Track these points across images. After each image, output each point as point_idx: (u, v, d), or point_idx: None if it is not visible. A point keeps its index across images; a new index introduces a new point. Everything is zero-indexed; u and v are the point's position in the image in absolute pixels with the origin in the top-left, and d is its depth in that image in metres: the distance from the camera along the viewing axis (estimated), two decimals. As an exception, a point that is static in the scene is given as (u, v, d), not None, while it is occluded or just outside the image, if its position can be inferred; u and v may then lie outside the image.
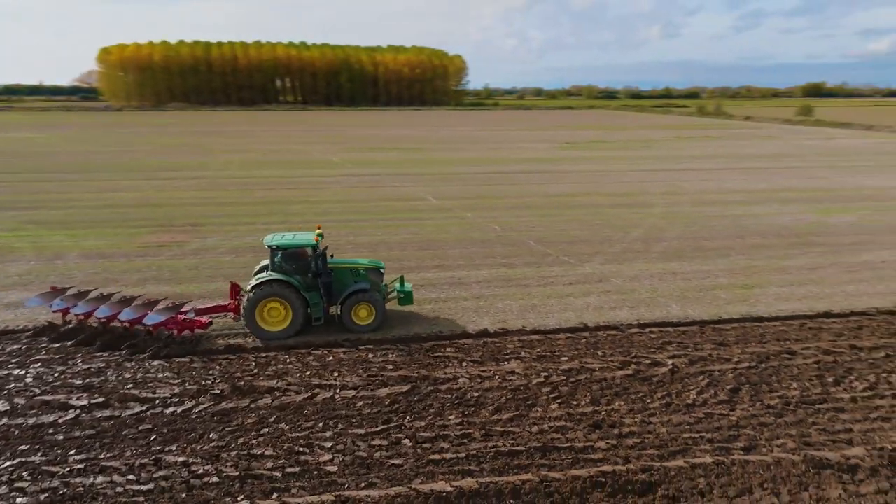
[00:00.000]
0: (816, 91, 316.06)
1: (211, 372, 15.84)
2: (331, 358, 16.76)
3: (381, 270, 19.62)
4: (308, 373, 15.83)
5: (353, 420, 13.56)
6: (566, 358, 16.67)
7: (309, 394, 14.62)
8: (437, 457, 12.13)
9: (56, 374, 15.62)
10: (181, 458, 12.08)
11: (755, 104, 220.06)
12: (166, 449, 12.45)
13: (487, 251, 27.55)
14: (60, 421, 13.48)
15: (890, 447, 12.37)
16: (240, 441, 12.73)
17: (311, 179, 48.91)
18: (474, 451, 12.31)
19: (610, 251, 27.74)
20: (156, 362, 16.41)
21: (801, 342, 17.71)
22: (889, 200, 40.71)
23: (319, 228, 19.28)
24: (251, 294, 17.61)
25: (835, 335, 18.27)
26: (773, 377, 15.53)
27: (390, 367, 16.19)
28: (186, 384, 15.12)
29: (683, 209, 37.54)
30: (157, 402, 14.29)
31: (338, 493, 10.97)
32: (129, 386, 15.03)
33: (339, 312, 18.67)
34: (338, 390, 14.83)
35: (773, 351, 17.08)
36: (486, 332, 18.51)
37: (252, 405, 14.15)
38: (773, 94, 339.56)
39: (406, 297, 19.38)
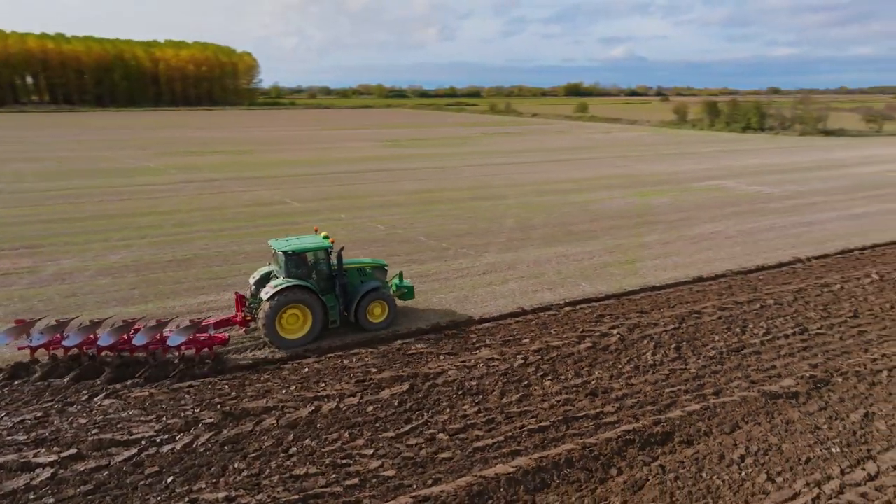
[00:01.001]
0: (576, 90, 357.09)
1: (183, 402, 14.40)
2: (306, 370, 16.16)
3: (385, 268, 19.77)
4: (293, 387, 15.16)
5: (376, 425, 13.46)
6: (527, 340, 18.02)
7: (312, 407, 14.09)
8: (479, 444, 12.67)
9: (-10, 433, 13.03)
10: (221, 495, 11.11)
11: (534, 102, 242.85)
12: (195, 488, 11.32)
13: (388, 250, 27.83)
14: (35, 483, 11.44)
15: (807, 374, 15.67)
16: (273, 465, 12.01)
17: (143, 188, 44.18)
18: (509, 434, 13.07)
19: (497, 241, 29.71)
20: (106, 401, 14.43)
21: (699, 303, 21.14)
22: (684, 183, 48.63)
23: (317, 231, 19.11)
24: (272, 302, 16.66)
25: (717, 295, 22.07)
26: (697, 334, 18.47)
27: (373, 369, 16.12)
28: (164, 418, 13.62)
29: (532, 199, 41.11)
30: (145, 441, 12.74)
31: (413, 495, 11.04)
32: (92, 431, 13.10)
33: (354, 313, 18.26)
34: (338, 399, 14.48)
35: (683, 313, 20.18)
36: (439, 325, 19.11)
37: (257, 428, 13.29)
38: (542, 93, 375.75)
39: (408, 293, 19.70)
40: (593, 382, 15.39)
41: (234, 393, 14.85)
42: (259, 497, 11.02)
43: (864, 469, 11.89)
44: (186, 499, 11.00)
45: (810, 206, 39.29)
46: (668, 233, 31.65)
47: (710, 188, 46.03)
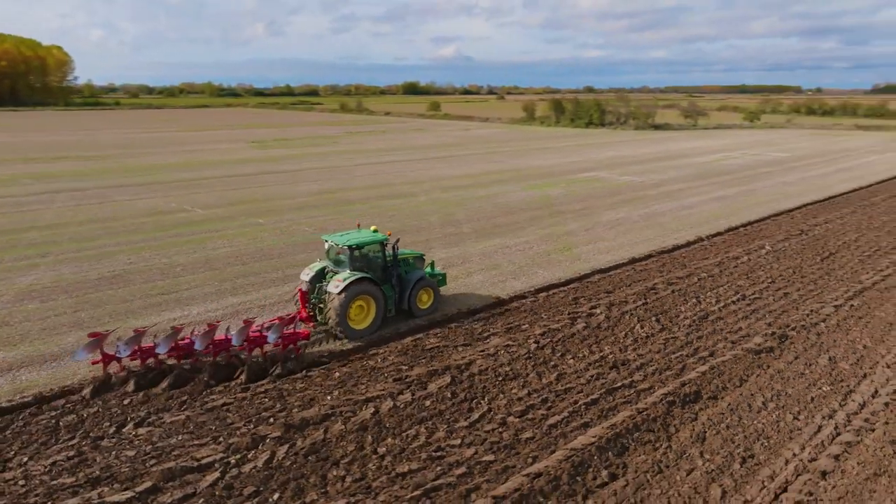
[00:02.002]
0: (413, 89, 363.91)
1: (229, 421, 13.67)
2: (337, 374, 15.98)
3: (423, 258, 20.61)
4: (335, 392, 14.98)
5: (445, 417, 13.86)
6: (527, 326, 19.19)
7: (370, 408, 14.10)
8: (550, 422, 13.62)
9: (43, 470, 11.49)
10: (341, 503, 10.97)
11: (381, 100, 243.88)
12: (307, 501, 11.06)
13: (336, 252, 27.45)
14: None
15: (769, 332, 18.55)
16: (371, 467, 12.03)
17: (3, 200, 38.67)
18: (569, 409, 14.15)
19: (436, 237, 30.50)
20: (140, 430, 13.27)
21: (648, 280, 23.69)
22: (564, 175, 52.63)
23: (359, 226, 20.01)
24: (343, 295, 17.13)
25: (658, 272, 24.84)
26: (664, 307, 20.85)
27: (403, 367, 16.34)
28: (221, 439, 12.90)
29: (440, 196, 42.31)
30: (218, 464, 12.03)
31: (524, 473, 11.73)
32: (150, 462, 12.10)
33: (407, 301, 19.16)
34: (391, 398, 14.59)
35: (641, 290, 22.55)
36: (437, 321, 19.60)
37: (328, 434, 13.09)
38: (381, 91, 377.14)
39: (442, 280, 20.46)
40: (610, 357, 16.94)
41: (277, 405, 14.33)
42: (381, 499, 11.04)
43: (853, 400, 14.61)
44: (308, 512, 10.72)
45: (679, 192, 44.68)
46: (581, 221, 34.47)
47: (590, 179, 50.35)
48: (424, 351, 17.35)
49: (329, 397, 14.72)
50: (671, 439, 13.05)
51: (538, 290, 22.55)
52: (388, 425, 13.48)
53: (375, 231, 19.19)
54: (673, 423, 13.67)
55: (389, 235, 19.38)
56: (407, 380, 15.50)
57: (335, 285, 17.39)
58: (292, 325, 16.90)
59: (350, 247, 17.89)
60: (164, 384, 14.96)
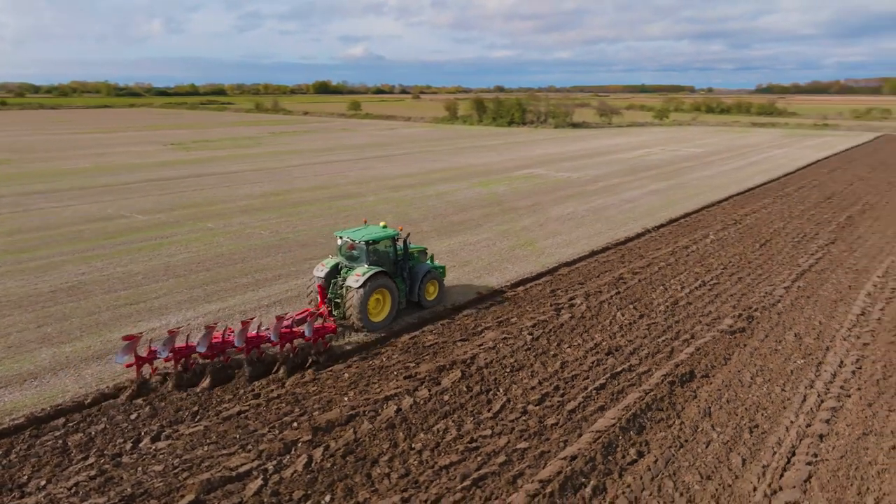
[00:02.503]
0: (325, 88, 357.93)
1: (250, 428, 13.40)
2: (346, 375, 15.92)
3: (426, 251, 21.12)
4: (350, 393, 14.98)
5: (468, 409, 14.20)
6: (516, 319, 19.80)
7: (392, 406, 14.22)
8: (569, 407, 14.26)
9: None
10: (395, 499, 11.11)
11: (294, 100, 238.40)
12: (360, 500, 11.13)
13: (304, 254, 27.07)
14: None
15: (735, 314, 20.09)
16: (413, 462, 12.20)
17: None
18: (581, 395, 14.86)
19: (419, 234, 30.48)
20: (160, 444, 12.79)
21: (614, 271, 24.93)
22: (503, 172, 53.88)
23: (366, 222, 20.60)
24: (363, 289, 17.62)
25: (620, 263, 26.16)
26: (636, 295, 22.07)
27: (410, 364, 16.52)
28: (249, 447, 12.65)
29: (389, 195, 42.33)
30: (256, 472, 11.82)
31: (561, 457, 12.28)
32: (183, 476, 11.72)
33: (416, 293, 19.88)
34: (409, 395, 14.75)
35: (611, 280, 23.73)
36: (427, 318, 19.85)
37: (358, 434, 13.11)
38: (291, 91, 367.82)
39: (442, 272, 20.97)
40: (603, 344, 17.83)
41: (296, 409, 14.17)
42: (433, 492, 11.26)
43: (825, 371, 16.18)
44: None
45: (616, 186, 46.89)
46: (533, 217, 35.57)
47: (529, 176, 51.84)
48: (425, 348, 17.57)
49: (346, 398, 14.69)
50: (681, 416, 14.00)
51: (514, 285, 23.22)
52: (414, 421, 13.66)
53: (385, 226, 19.70)
54: (678, 401, 14.65)
55: (401, 230, 20.03)
56: (417, 377, 15.68)
57: (355, 280, 17.81)
58: (322, 319, 17.21)
59: (367, 242, 18.40)
60: (205, 383, 15.01)
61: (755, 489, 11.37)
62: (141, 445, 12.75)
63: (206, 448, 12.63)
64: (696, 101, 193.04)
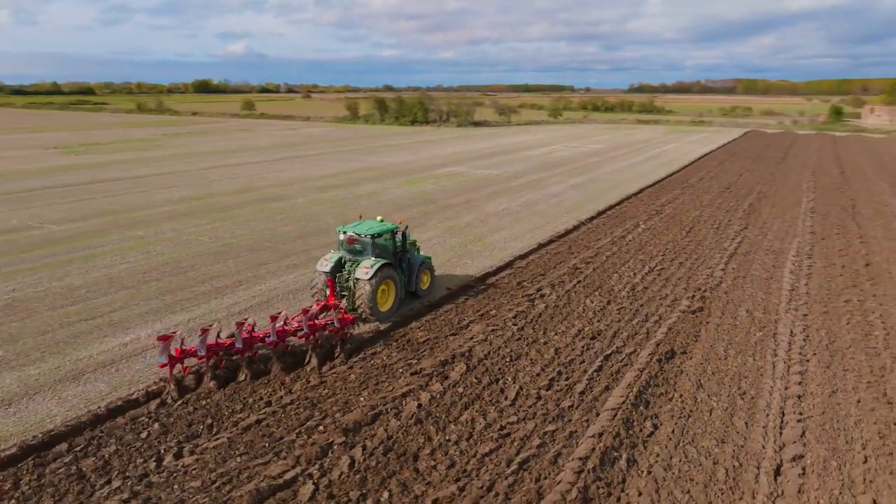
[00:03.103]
0: (206, 87, 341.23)
1: (277, 436, 13.14)
2: (352, 376, 15.88)
3: (416, 243, 22.28)
4: (364, 393, 15.01)
5: (486, 398, 14.68)
6: (495, 311, 20.48)
7: (412, 401, 14.42)
8: (577, 390, 15.14)
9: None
10: (454, 487, 11.41)
11: (178, 99, 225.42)
12: (418, 493, 11.32)
13: (256, 259, 26.24)
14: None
15: (689, 295, 21.94)
16: (456, 451, 12.53)
17: None
18: (585, 378, 15.79)
19: (345, 237, 30.33)
20: (186, 459, 12.26)
21: (568, 261, 26.25)
22: (425, 171, 54.45)
23: (361, 217, 21.24)
24: (374, 280, 18.32)
25: (570, 254, 27.56)
26: (596, 282, 23.45)
27: (412, 361, 16.75)
28: (282, 454, 12.45)
29: (319, 196, 41.65)
30: (302, 478, 11.69)
31: (590, 435, 13.09)
32: (225, 489, 11.37)
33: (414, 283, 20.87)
34: (424, 390, 15.00)
35: (568, 269, 25.00)
36: (408, 315, 20.08)
37: (387, 431, 13.23)
38: (169, 89, 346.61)
39: (428, 261, 21.90)
40: (585, 329, 18.91)
41: (315, 413, 14.01)
42: (485, 478, 11.67)
43: (781, 340, 18.16)
44: (428, 501, 11.00)
45: (537, 182, 48.86)
46: (471, 214, 36.45)
47: (452, 174, 52.77)
48: (420, 344, 17.82)
49: (362, 398, 14.69)
50: (677, 389, 15.27)
51: (479, 279, 23.89)
52: (438, 415, 13.94)
53: (382, 221, 20.41)
54: (670, 376, 15.94)
55: (400, 223, 20.86)
56: (424, 372, 15.93)
57: (364, 272, 18.44)
58: (339, 312, 17.61)
59: (372, 235, 19.12)
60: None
61: (764, 447, 12.74)
62: (165, 463, 12.16)
63: (238, 459, 12.24)
64: (582, 100, 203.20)
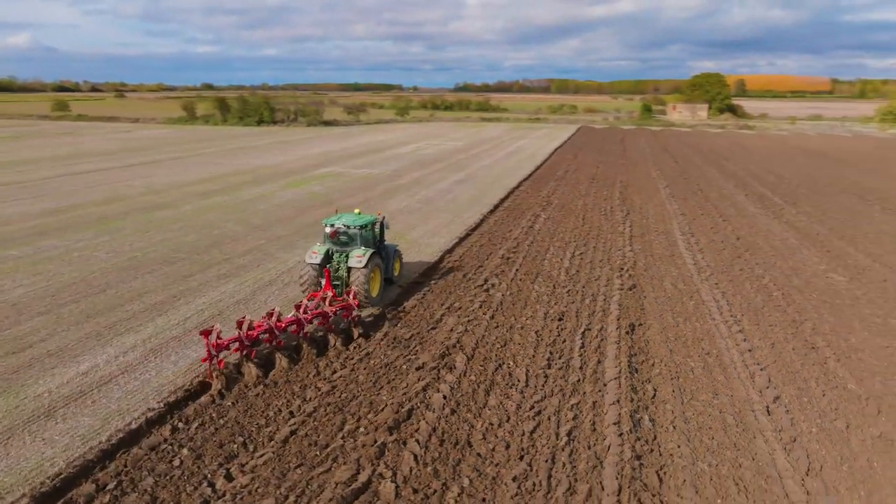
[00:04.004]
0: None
1: (322, 443, 12.94)
2: (361, 377, 15.84)
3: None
4: (383, 390, 15.11)
5: (503, 385, 15.52)
6: (459, 304, 21.28)
7: (434, 392, 14.84)
8: (573, 366, 16.52)
9: None
10: (522, 467, 12.17)
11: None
12: (495, 478, 11.93)
13: (178, 271, 24.41)
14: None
15: (618, 274, 24.42)
16: (500, 434, 13.23)
17: None
18: (576, 355, 17.22)
19: (263, 244, 29.12)
20: (242, 479, 11.69)
21: (496, 252, 27.69)
22: (303, 172, 53.10)
23: (336, 212, 22.37)
24: (367, 268, 19.71)
25: (492, 245, 29.04)
26: (534, 269, 25.13)
27: (411, 356, 17.06)
28: (339, 460, 12.35)
29: (206, 202, 39.12)
30: (377, 477, 11.74)
31: (611, 405, 14.51)
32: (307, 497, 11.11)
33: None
34: (438, 380, 15.46)
35: (501, 260, 26.43)
36: (378, 316, 20.22)
37: (433, 425, 13.59)
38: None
39: (398, 249, 23.88)
40: (550, 312, 20.39)
41: (347, 417, 13.91)
42: (547, 451, 12.54)
43: (711, 307, 21.05)
44: (507, 479, 11.64)
45: (423, 179, 49.95)
46: (372, 212, 36.56)
47: (333, 174, 52.12)
48: (406, 341, 18.10)
49: (383, 397, 14.80)
50: (655, 356, 17.24)
51: (422, 275, 24.47)
52: (467, 403, 14.52)
53: (360, 213, 21.74)
54: (642, 346, 17.91)
55: (379, 214, 22.17)
56: (427, 367, 16.34)
57: (357, 261, 19.67)
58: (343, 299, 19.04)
59: (360, 226, 20.44)
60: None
61: (748, 394, 15.02)
62: (219, 486, 11.49)
63: (298, 472, 11.90)
64: (423, 98, 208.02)
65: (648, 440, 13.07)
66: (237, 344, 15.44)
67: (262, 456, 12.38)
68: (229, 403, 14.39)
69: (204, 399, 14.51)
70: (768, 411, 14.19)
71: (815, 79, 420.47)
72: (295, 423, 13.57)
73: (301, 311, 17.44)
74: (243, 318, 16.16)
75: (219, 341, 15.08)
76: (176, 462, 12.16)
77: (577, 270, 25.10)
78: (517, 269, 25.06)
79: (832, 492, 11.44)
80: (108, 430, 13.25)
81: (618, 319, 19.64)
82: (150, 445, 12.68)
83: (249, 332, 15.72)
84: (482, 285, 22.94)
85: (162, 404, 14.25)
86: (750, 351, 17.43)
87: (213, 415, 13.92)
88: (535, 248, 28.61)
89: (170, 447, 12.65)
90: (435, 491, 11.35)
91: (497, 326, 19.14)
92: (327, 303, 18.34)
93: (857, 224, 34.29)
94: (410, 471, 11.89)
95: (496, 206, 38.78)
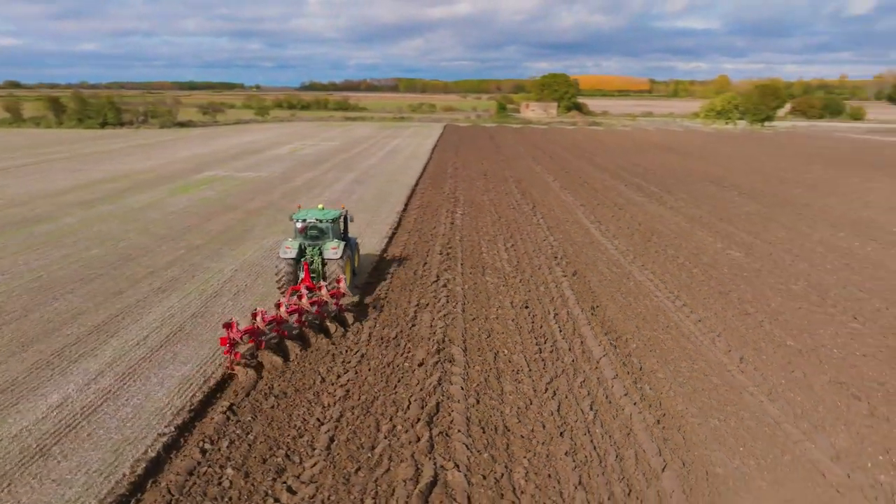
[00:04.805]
0: None
1: (368, 445, 12.93)
2: (368, 379, 15.80)
3: None
4: (399, 390, 15.24)
5: (506, 370, 16.26)
6: (427, 301, 21.64)
7: (457, 385, 15.26)
8: (562, 347, 17.70)
9: None
10: (564, 447, 13.06)
11: None
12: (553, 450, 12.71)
13: (98, 288, 22.27)
14: None
15: (558, 262, 26.15)
16: (531, 413, 14.01)
17: None
18: (558, 338, 18.40)
19: (199, 249, 27.33)
20: (306, 490, 11.44)
21: (433, 248, 28.28)
22: (182, 178, 49.66)
23: (300, 207, 23.15)
24: (342, 259, 20.53)
25: (425, 243, 29.61)
26: (477, 261, 26.09)
27: (406, 354, 17.27)
28: (399, 459, 12.47)
29: (88, 213, 35.41)
30: (438, 473, 12.02)
31: (619, 374, 15.86)
32: None
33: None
34: (455, 377, 15.88)
35: (443, 256, 27.07)
36: (360, 315, 20.08)
37: (465, 414, 14.05)
38: None
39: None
40: (514, 301, 21.43)
41: (378, 419, 13.91)
42: (580, 424, 13.52)
43: (650, 284, 23.34)
44: (560, 455, 12.47)
45: (318, 180, 48.86)
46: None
47: (218, 178, 49.36)
48: (393, 339, 18.22)
49: (402, 394, 14.94)
50: (625, 332, 18.88)
51: (371, 274, 24.48)
52: (487, 392, 15.12)
53: (323, 208, 22.33)
54: (608, 324, 19.51)
55: (343, 208, 22.98)
56: (428, 363, 16.66)
57: (334, 252, 20.49)
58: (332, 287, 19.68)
59: (332, 220, 21.22)
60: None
61: (718, 357, 17.10)
62: (286, 501, 11.07)
63: (357, 476, 11.80)
64: (277, 98, 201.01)
65: (660, 405, 14.52)
66: (250, 336, 16.20)
67: (314, 465, 12.09)
68: (249, 418, 13.76)
69: (218, 417, 13.72)
70: (741, 371, 16.31)
71: (636, 79, 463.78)
72: (329, 430, 13.33)
73: (287, 301, 17.93)
74: (257, 310, 16.90)
75: (239, 330, 15.81)
76: (225, 483, 11.52)
77: (517, 261, 26.41)
78: (462, 264, 25.85)
79: (821, 430, 13.58)
80: (125, 461, 12.15)
81: (578, 303, 21.17)
82: (186, 470, 11.85)
83: (260, 324, 16.54)
84: (437, 280, 23.44)
85: (172, 427, 13.29)
86: (700, 321, 19.70)
87: (238, 432, 13.25)
88: (466, 242, 29.57)
89: (209, 469, 11.92)
90: (502, 474, 11.85)
91: (474, 319, 19.81)
92: (324, 291, 18.92)
93: (726, 207, 39.32)
94: (469, 459, 12.28)
95: (406, 205, 39.21)
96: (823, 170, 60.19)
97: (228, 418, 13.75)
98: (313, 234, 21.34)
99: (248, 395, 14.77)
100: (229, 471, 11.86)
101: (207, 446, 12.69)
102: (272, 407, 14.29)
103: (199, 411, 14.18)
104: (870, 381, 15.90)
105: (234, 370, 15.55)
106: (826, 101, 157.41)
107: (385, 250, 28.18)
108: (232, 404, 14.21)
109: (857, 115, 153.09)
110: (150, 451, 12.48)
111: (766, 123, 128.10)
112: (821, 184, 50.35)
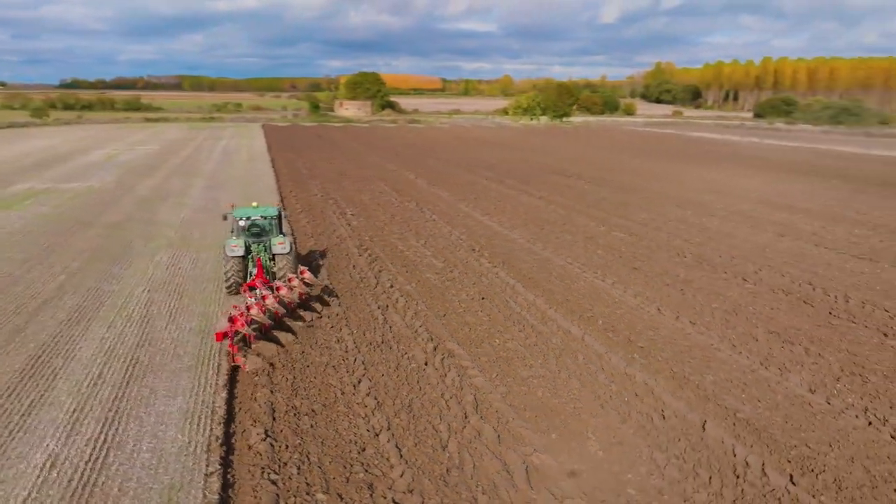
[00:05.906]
0: None
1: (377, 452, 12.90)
2: (365, 375, 15.50)
3: None
4: (418, 388, 15.23)
5: (508, 362, 16.97)
6: (389, 306, 21.36)
7: (469, 375, 15.62)
8: (542, 330, 18.86)
9: None
10: (589, 426, 14.22)
11: None
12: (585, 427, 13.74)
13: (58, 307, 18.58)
14: None
15: (481, 248, 27.30)
16: (571, 397, 14.97)
17: None
18: (532, 323, 19.52)
19: (81, 272, 23.60)
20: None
21: (351, 254, 27.77)
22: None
23: (233, 207, 22.95)
24: (290, 254, 20.70)
25: (376, 239, 28.93)
26: (409, 263, 26.22)
27: (404, 354, 17.14)
28: (441, 433, 12.67)
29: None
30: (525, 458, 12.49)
31: (600, 344, 17.39)
32: None
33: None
34: (463, 370, 16.20)
35: (367, 260, 26.75)
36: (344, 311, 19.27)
37: (486, 406, 14.55)
38: None
39: None
40: (470, 293, 22.08)
41: (403, 416, 13.83)
42: (606, 393, 14.77)
43: (617, 278, 25.47)
44: (592, 428, 13.58)
45: (167, 189, 44.40)
46: (182, 232, 32.25)
47: (38, 191, 42.54)
48: (380, 344, 17.90)
49: (431, 394, 14.95)
50: (580, 307, 20.59)
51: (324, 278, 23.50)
52: (509, 378, 15.70)
53: (257, 205, 22.62)
54: (560, 298, 21.11)
55: (278, 205, 23.70)
56: (434, 361, 16.74)
57: (281, 247, 20.65)
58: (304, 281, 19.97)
59: (274, 216, 21.77)
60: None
61: (650, 311, 19.47)
62: (403, 515, 10.73)
63: (455, 474, 11.75)
64: (49, 96, 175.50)
65: (661, 354, 16.31)
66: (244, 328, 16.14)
67: (401, 475, 11.73)
68: (297, 441, 12.78)
69: (261, 446, 12.55)
70: (699, 332, 18.82)
71: (429, 78, 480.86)
72: (390, 440, 12.93)
73: (251, 299, 17.89)
74: (236, 307, 16.80)
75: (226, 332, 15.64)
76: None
77: (444, 258, 26.88)
78: (391, 264, 25.77)
79: (786, 371, 16.35)
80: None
81: (528, 290, 22.46)
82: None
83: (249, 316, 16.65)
84: (388, 285, 23.03)
85: (206, 466, 11.92)
86: (638, 295, 22.10)
87: (296, 457, 12.27)
88: (379, 242, 29.36)
89: (297, 499, 10.99)
90: (540, 448, 12.58)
91: (444, 315, 20.10)
92: (296, 283, 19.29)
93: (584, 195, 43.64)
94: (512, 432, 12.81)
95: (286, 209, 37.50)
96: (633, 158, 69.04)
97: (272, 445, 12.65)
98: (256, 231, 21.54)
99: (273, 418, 13.66)
100: (319, 495, 11.06)
101: (273, 476, 11.62)
102: (311, 426, 13.41)
103: (228, 444, 12.83)
104: (790, 328, 19.32)
105: (237, 361, 15.84)
106: (605, 99, 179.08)
107: (328, 251, 27.05)
108: (266, 430, 13.06)
109: (630, 111, 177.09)
110: (207, 493, 11.11)
111: (564, 119, 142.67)
112: (641, 170, 57.86)
